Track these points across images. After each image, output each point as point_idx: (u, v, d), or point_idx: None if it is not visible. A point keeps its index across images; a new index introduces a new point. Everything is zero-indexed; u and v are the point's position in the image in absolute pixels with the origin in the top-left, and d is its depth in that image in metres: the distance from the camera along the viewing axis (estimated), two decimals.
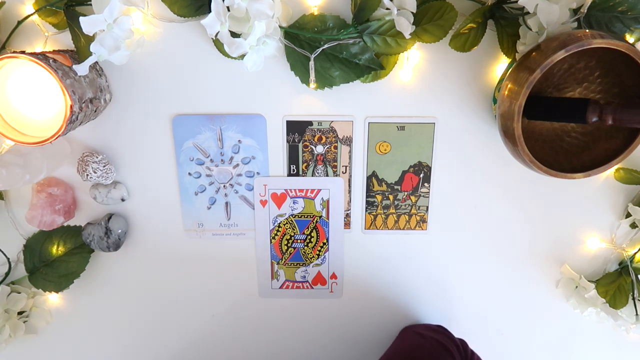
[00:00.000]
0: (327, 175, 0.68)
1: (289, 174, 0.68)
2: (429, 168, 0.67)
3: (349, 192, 0.69)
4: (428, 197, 0.69)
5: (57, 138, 0.54)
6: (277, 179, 0.68)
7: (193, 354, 0.78)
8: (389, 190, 0.69)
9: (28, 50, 0.61)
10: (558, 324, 0.76)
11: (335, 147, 0.67)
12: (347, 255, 0.72)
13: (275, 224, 0.70)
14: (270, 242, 0.71)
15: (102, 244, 0.67)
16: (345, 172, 0.68)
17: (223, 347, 0.78)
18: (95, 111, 0.60)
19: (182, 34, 0.61)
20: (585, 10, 0.54)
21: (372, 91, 0.64)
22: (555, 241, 0.71)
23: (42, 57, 0.52)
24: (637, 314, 0.68)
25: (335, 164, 0.67)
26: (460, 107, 0.64)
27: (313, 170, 0.68)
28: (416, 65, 0.62)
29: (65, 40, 0.61)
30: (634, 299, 0.68)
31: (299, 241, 0.71)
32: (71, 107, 0.53)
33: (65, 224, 0.69)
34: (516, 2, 0.54)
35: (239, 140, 0.66)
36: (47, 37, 0.61)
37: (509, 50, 0.58)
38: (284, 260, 0.72)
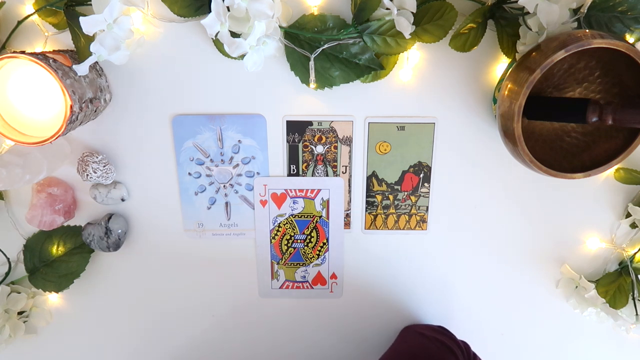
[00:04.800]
0: (327, 175, 0.68)
1: (289, 174, 0.68)
2: (429, 168, 0.67)
3: (349, 192, 0.69)
4: (428, 197, 0.69)
5: (57, 138, 0.54)
6: (277, 179, 0.68)
7: (193, 354, 0.78)
8: (389, 190, 0.69)
9: (28, 50, 0.61)
10: (558, 324, 0.76)
11: (335, 147, 0.67)
12: (347, 255, 0.72)
13: (275, 224, 0.70)
14: (270, 242, 0.71)
15: (102, 244, 0.67)
16: (345, 172, 0.68)
17: (223, 346, 0.78)
18: (95, 111, 0.60)
19: (182, 34, 0.61)
20: (585, 10, 0.54)
21: (372, 91, 0.64)
22: (555, 241, 0.71)
23: (42, 57, 0.52)
24: (637, 314, 0.68)
25: (335, 164, 0.67)
26: (460, 107, 0.64)
27: (313, 170, 0.68)
28: (416, 65, 0.62)
29: (65, 40, 0.61)
30: (634, 299, 0.68)
31: (299, 241, 0.71)
32: (71, 107, 0.53)
33: (65, 224, 0.69)
34: (516, 2, 0.54)
35: (239, 140, 0.66)
36: (47, 37, 0.61)
37: (509, 50, 0.58)
38: (284, 260, 0.72)
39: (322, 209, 0.70)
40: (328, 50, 0.58)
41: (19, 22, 0.59)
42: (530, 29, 0.54)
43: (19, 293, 0.70)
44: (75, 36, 0.56)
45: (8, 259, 0.71)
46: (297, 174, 0.68)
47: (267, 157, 0.67)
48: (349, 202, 0.69)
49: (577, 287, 0.71)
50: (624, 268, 0.69)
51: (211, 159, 0.67)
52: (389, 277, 0.73)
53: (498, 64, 0.62)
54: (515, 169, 0.67)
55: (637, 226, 0.68)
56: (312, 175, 0.68)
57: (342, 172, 0.68)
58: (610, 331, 0.75)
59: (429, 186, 0.68)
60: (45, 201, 0.65)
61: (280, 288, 0.74)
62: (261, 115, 0.65)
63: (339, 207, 0.69)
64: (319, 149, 0.67)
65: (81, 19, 0.50)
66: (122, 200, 0.68)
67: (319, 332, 0.77)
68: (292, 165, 0.68)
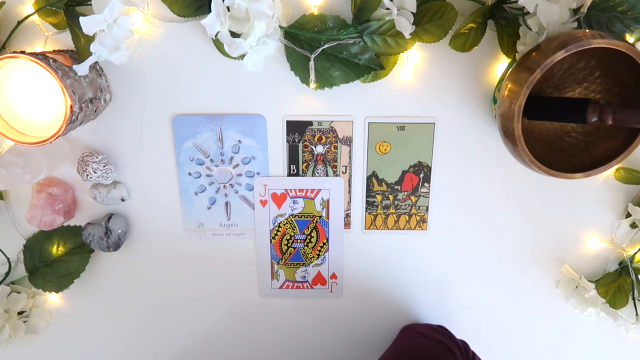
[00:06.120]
0: (327, 175, 0.68)
1: (289, 174, 0.68)
2: (429, 168, 0.67)
3: (349, 192, 0.69)
4: (428, 197, 0.69)
5: (57, 138, 0.54)
6: (277, 179, 0.68)
7: (193, 354, 0.78)
8: (389, 190, 0.69)
9: (28, 50, 0.61)
10: (558, 324, 0.76)
11: (335, 147, 0.67)
12: (347, 255, 0.72)
13: (275, 224, 0.70)
14: (270, 242, 0.71)
15: (102, 244, 0.67)
16: (345, 172, 0.68)
17: (223, 347, 0.78)
18: (95, 111, 0.60)
19: (182, 34, 0.61)
20: (585, 10, 0.54)
21: (372, 91, 0.64)
22: (555, 241, 0.71)
23: (42, 57, 0.52)
24: (637, 314, 0.68)
25: (335, 164, 0.67)
26: (460, 107, 0.64)
27: (313, 170, 0.68)
28: (416, 65, 0.62)
29: (65, 40, 0.61)
30: (634, 299, 0.68)
31: (299, 241, 0.71)
32: (71, 107, 0.53)
33: (65, 224, 0.69)
34: (516, 2, 0.54)
35: (239, 140, 0.66)
36: (47, 37, 0.61)
37: (509, 50, 0.58)
38: (284, 260, 0.72)
39: (322, 209, 0.70)
40: (328, 50, 0.58)
41: (19, 22, 0.59)
42: (530, 29, 0.54)
43: (19, 293, 0.70)
44: (75, 36, 0.56)
45: (8, 259, 0.71)
46: (297, 174, 0.68)
47: (267, 157, 0.67)
48: (349, 202, 0.69)
49: (577, 287, 0.71)
50: (624, 268, 0.69)
51: (211, 159, 0.67)
52: (389, 277, 0.73)
53: (498, 64, 0.62)
54: (515, 169, 0.67)
55: (637, 226, 0.68)
56: (312, 175, 0.68)
57: (342, 172, 0.68)
58: (610, 331, 0.75)
59: (429, 186, 0.68)
60: (45, 201, 0.65)
61: (280, 288, 0.74)
62: (261, 115, 0.65)
63: (339, 207, 0.69)
64: (319, 149, 0.67)
65: (81, 19, 0.50)
66: (122, 200, 0.68)
67: (318, 332, 0.77)
68: (292, 165, 0.68)
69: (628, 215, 0.68)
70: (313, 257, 0.72)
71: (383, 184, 0.68)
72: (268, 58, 0.60)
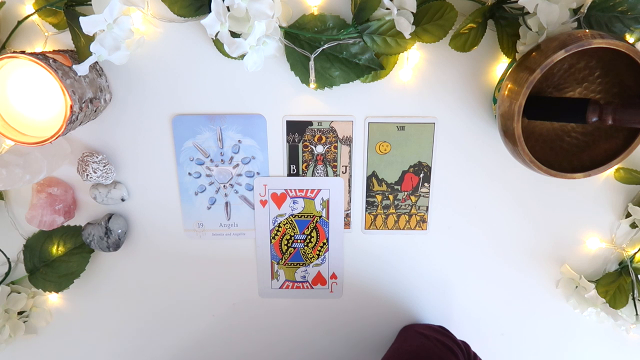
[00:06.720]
0: (327, 175, 0.68)
1: (289, 174, 0.68)
2: (429, 168, 0.67)
3: (349, 192, 0.69)
4: (428, 197, 0.69)
5: (57, 138, 0.54)
6: (277, 179, 0.68)
7: (193, 354, 0.78)
8: (389, 190, 0.69)
9: (28, 50, 0.61)
10: (558, 324, 0.76)
11: (335, 147, 0.67)
12: (347, 255, 0.72)
13: (275, 224, 0.70)
14: (270, 242, 0.71)
15: (102, 244, 0.67)
16: (345, 172, 0.68)
17: (223, 347, 0.78)
18: (95, 111, 0.60)
19: (182, 34, 0.61)
20: (585, 10, 0.54)
21: (372, 91, 0.64)
22: (555, 241, 0.71)
23: (42, 57, 0.52)
24: (637, 314, 0.68)
25: (335, 164, 0.67)
26: (460, 107, 0.64)
27: (313, 170, 0.68)
28: (416, 65, 0.62)
29: (65, 40, 0.61)
30: (634, 299, 0.68)
31: (299, 241, 0.71)
32: (71, 107, 0.53)
33: (65, 224, 0.69)
34: (516, 2, 0.54)
35: (239, 140, 0.66)
36: (47, 37, 0.61)
37: (509, 50, 0.58)
38: (284, 260, 0.72)
39: (322, 209, 0.70)
40: (328, 50, 0.58)
41: (19, 22, 0.59)
42: (530, 29, 0.54)
43: (19, 293, 0.70)
44: (75, 36, 0.56)
45: (8, 259, 0.71)
46: (297, 174, 0.68)
47: (267, 157, 0.67)
48: (349, 202, 0.69)
49: (577, 287, 0.71)
50: (624, 268, 0.69)
51: (211, 159, 0.67)
52: (389, 277, 0.73)
53: (498, 64, 0.62)
54: (515, 169, 0.67)
55: (637, 226, 0.68)
56: (312, 175, 0.68)
57: (342, 172, 0.68)
58: (610, 331, 0.75)
59: (429, 186, 0.68)
60: (45, 201, 0.65)
61: (280, 288, 0.74)
62: (261, 115, 0.65)
63: (339, 207, 0.69)
64: (319, 149, 0.67)
65: (81, 19, 0.50)
66: (122, 200, 0.68)
67: (318, 332, 0.77)
68: (292, 165, 0.68)
69: (628, 215, 0.68)
70: (313, 257, 0.72)
71: (383, 184, 0.68)
72: (268, 58, 0.60)
